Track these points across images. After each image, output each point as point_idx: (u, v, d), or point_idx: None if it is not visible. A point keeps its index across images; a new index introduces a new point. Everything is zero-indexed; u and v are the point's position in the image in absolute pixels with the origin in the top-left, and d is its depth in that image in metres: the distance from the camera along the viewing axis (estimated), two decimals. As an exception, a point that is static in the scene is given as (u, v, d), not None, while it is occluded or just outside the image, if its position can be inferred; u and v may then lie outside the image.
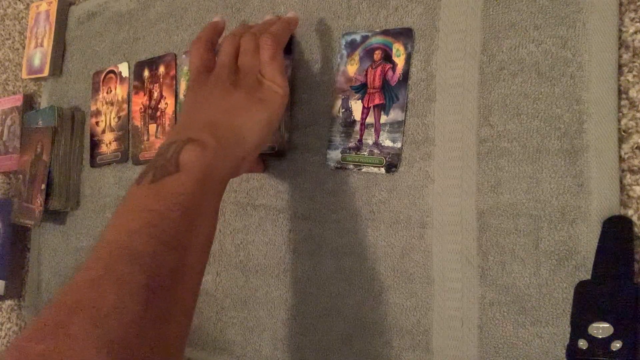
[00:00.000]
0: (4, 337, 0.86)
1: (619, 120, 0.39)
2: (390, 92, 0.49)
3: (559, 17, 0.41)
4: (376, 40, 0.50)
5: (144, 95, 0.68)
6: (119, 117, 0.71)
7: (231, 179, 0.59)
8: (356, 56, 0.51)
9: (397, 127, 0.48)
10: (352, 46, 0.52)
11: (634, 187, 0.38)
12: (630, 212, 0.38)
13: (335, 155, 0.51)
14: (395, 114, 0.48)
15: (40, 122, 0.75)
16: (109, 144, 0.71)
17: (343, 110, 0.51)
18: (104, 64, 0.74)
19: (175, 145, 0.42)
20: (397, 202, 0.47)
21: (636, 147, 0.38)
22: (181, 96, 0.64)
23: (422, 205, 0.46)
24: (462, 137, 0.45)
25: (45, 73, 0.79)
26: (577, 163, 0.40)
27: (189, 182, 0.40)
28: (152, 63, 0.68)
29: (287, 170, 0.55)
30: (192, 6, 0.65)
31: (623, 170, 0.39)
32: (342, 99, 0.51)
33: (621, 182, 0.38)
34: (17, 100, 0.86)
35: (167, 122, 0.65)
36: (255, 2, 0.59)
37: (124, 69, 0.71)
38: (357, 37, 0.51)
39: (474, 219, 0.44)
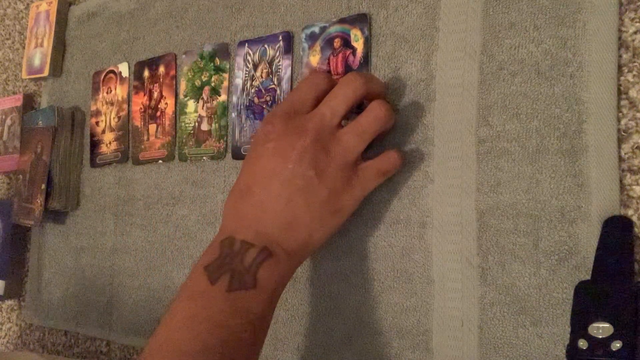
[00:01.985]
0: (4, 337, 0.86)
1: (619, 120, 0.39)
2: None
3: (559, 17, 0.41)
4: (334, 29, 0.52)
5: (144, 95, 0.68)
6: (119, 117, 0.71)
7: (231, 179, 0.59)
8: (317, 47, 0.53)
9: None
10: (312, 38, 0.53)
11: (634, 187, 0.38)
12: (630, 212, 0.38)
13: None
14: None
15: (40, 122, 0.75)
16: (109, 144, 0.71)
17: None
18: (104, 64, 0.74)
19: (255, 253, 0.40)
20: (397, 202, 0.47)
21: (636, 147, 0.38)
22: (181, 96, 0.64)
23: (422, 205, 0.46)
24: (462, 137, 0.45)
25: (45, 73, 0.79)
26: (577, 163, 0.40)
27: (263, 302, 0.40)
28: (152, 63, 0.68)
29: (287, 170, 0.54)
30: (192, 6, 0.65)
31: (623, 170, 0.39)
32: None
33: (621, 182, 0.38)
34: (17, 100, 0.86)
35: (167, 122, 0.65)
36: (256, 2, 0.59)
37: (124, 69, 0.71)
38: (316, 29, 0.53)
39: (474, 219, 0.44)
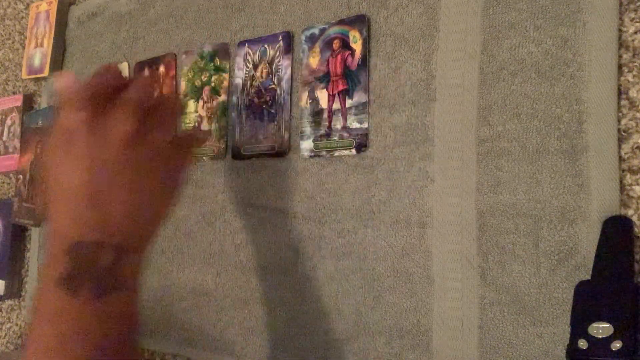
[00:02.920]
0: (4, 337, 0.86)
1: (619, 120, 0.39)
2: (352, 77, 0.51)
3: (559, 17, 0.41)
4: (333, 30, 0.52)
5: (144, 95, 0.68)
6: (119, 117, 0.71)
7: (231, 179, 0.59)
8: (317, 48, 0.53)
9: (362, 108, 0.50)
10: (312, 40, 0.54)
11: (634, 187, 0.38)
12: (630, 212, 0.38)
13: (307, 145, 0.53)
14: (359, 97, 0.50)
15: (40, 122, 0.75)
16: (109, 144, 0.71)
17: (310, 100, 0.53)
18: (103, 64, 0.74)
19: (110, 253, 0.38)
20: (397, 202, 0.47)
21: (636, 147, 0.38)
22: (181, 96, 0.64)
23: (422, 205, 0.46)
24: (462, 137, 0.45)
25: (45, 73, 0.79)
26: (577, 163, 0.40)
27: (130, 300, 0.40)
28: (152, 63, 0.68)
29: (287, 170, 0.55)
30: (192, 6, 0.65)
31: (623, 170, 0.39)
32: (309, 90, 0.53)
33: (621, 182, 0.38)
34: (17, 100, 0.86)
35: (167, 122, 0.65)
36: (255, 2, 0.59)
37: (124, 69, 0.71)
38: (316, 31, 0.53)
39: (474, 219, 0.44)
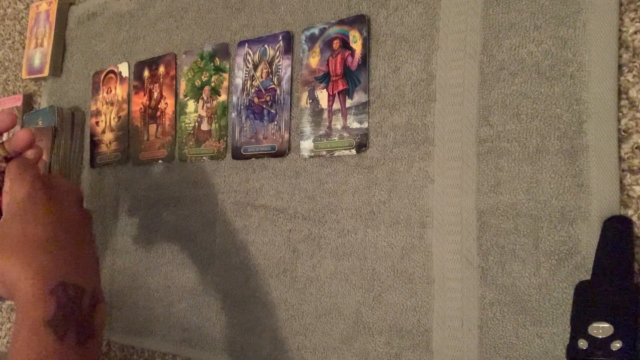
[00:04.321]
0: (4, 337, 0.86)
1: (619, 120, 0.39)
2: (352, 77, 0.51)
3: (559, 18, 0.41)
4: (333, 30, 0.52)
5: (144, 95, 0.68)
6: (119, 117, 0.71)
7: (231, 179, 0.59)
8: (317, 48, 0.53)
9: (362, 108, 0.50)
10: (312, 40, 0.54)
11: (634, 187, 0.38)
12: (630, 212, 0.38)
13: (307, 145, 0.53)
14: (359, 97, 0.50)
15: (40, 122, 0.75)
16: (109, 144, 0.71)
17: (310, 101, 0.53)
18: (104, 64, 0.74)
19: (89, 299, 0.40)
20: (397, 202, 0.47)
21: (636, 147, 0.38)
22: (181, 96, 0.64)
23: (422, 205, 0.46)
24: (462, 137, 0.45)
25: (45, 73, 0.79)
26: (577, 163, 0.40)
27: (99, 346, 0.40)
28: (152, 63, 0.68)
29: (287, 170, 0.55)
30: (192, 6, 0.65)
31: (623, 170, 0.39)
32: (309, 91, 0.53)
33: (621, 182, 0.38)
34: (17, 100, 0.86)
35: (167, 122, 0.65)
36: (255, 2, 0.59)
37: (124, 69, 0.71)
38: (316, 31, 0.53)
39: (474, 219, 0.44)
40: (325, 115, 0.52)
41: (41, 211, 0.42)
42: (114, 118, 0.71)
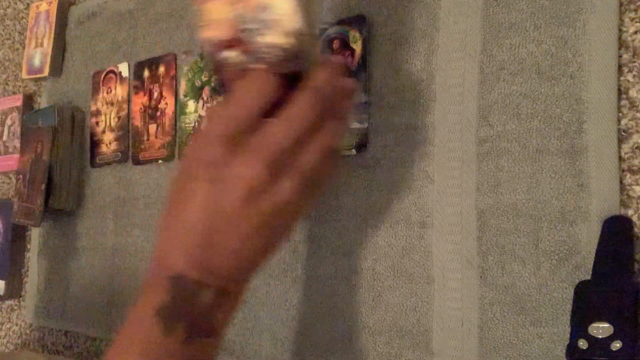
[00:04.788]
0: (4, 337, 0.86)
1: (619, 120, 0.39)
2: (353, 77, 0.50)
3: (559, 17, 0.41)
4: (333, 30, 0.52)
5: (144, 95, 0.68)
6: (119, 117, 0.71)
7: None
8: None
9: (362, 108, 0.49)
10: None
11: (634, 187, 0.38)
12: (630, 212, 0.38)
13: None
14: (358, 97, 0.50)
15: (40, 122, 0.75)
16: (109, 144, 0.71)
17: None
18: (104, 64, 0.74)
19: (210, 296, 0.36)
20: (397, 202, 0.47)
21: (636, 147, 0.38)
22: (181, 96, 0.64)
23: (422, 205, 0.46)
24: (462, 137, 0.45)
25: (45, 73, 0.79)
26: (577, 163, 0.40)
27: (216, 348, 0.37)
28: (152, 63, 0.68)
29: (287, 170, 0.54)
30: (192, 6, 0.65)
31: (623, 170, 0.39)
32: None
33: (621, 182, 0.38)
34: (17, 100, 0.86)
35: (167, 122, 0.65)
36: (255, 2, 0.59)
37: (124, 69, 0.71)
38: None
39: (474, 219, 0.44)
40: None
41: (198, 190, 0.36)
42: (114, 118, 0.71)
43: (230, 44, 0.36)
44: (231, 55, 0.37)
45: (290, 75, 0.37)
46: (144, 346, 0.35)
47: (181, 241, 0.37)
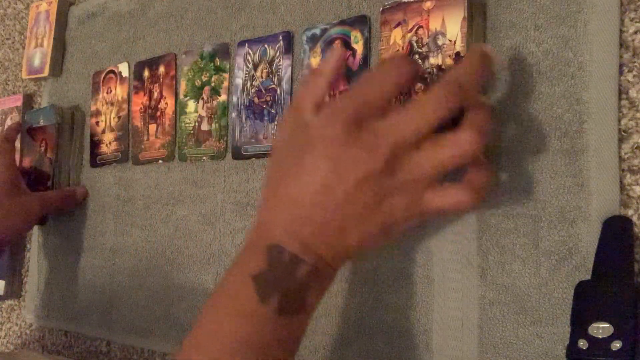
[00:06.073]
0: (4, 337, 0.86)
1: (619, 120, 0.39)
2: (353, 77, 0.50)
3: (559, 17, 0.41)
4: (335, 30, 0.52)
5: (144, 95, 0.68)
6: (119, 117, 0.71)
7: (231, 179, 0.59)
8: (318, 49, 0.53)
9: None
10: (313, 40, 0.53)
11: (634, 187, 0.38)
12: (630, 212, 0.38)
13: None
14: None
15: (42, 120, 0.76)
16: (109, 144, 0.71)
17: None
18: (104, 64, 0.74)
19: (306, 272, 0.36)
20: (397, 202, 0.47)
21: (636, 147, 0.38)
22: (181, 96, 0.64)
23: (422, 205, 0.46)
24: (462, 137, 0.45)
25: (45, 73, 0.79)
26: (577, 163, 0.40)
27: (304, 326, 0.38)
28: (152, 63, 0.68)
29: (287, 170, 0.54)
30: (192, 6, 0.65)
31: (623, 170, 0.38)
32: None
33: (621, 182, 0.38)
34: (17, 100, 0.86)
35: (167, 122, 0.65)
36: (255, 2, 0.59)
37: (124, 69, 0.71)
38: (317, 31, 0.53)
39: (474, 219, 0.44)
40: None
41: (314, 164, 0.36)
42: (114, 118, 0.71)
43: None
44: None
45: None
46: (240, 308, 0.36)
47: (285, 212, 0.37)
